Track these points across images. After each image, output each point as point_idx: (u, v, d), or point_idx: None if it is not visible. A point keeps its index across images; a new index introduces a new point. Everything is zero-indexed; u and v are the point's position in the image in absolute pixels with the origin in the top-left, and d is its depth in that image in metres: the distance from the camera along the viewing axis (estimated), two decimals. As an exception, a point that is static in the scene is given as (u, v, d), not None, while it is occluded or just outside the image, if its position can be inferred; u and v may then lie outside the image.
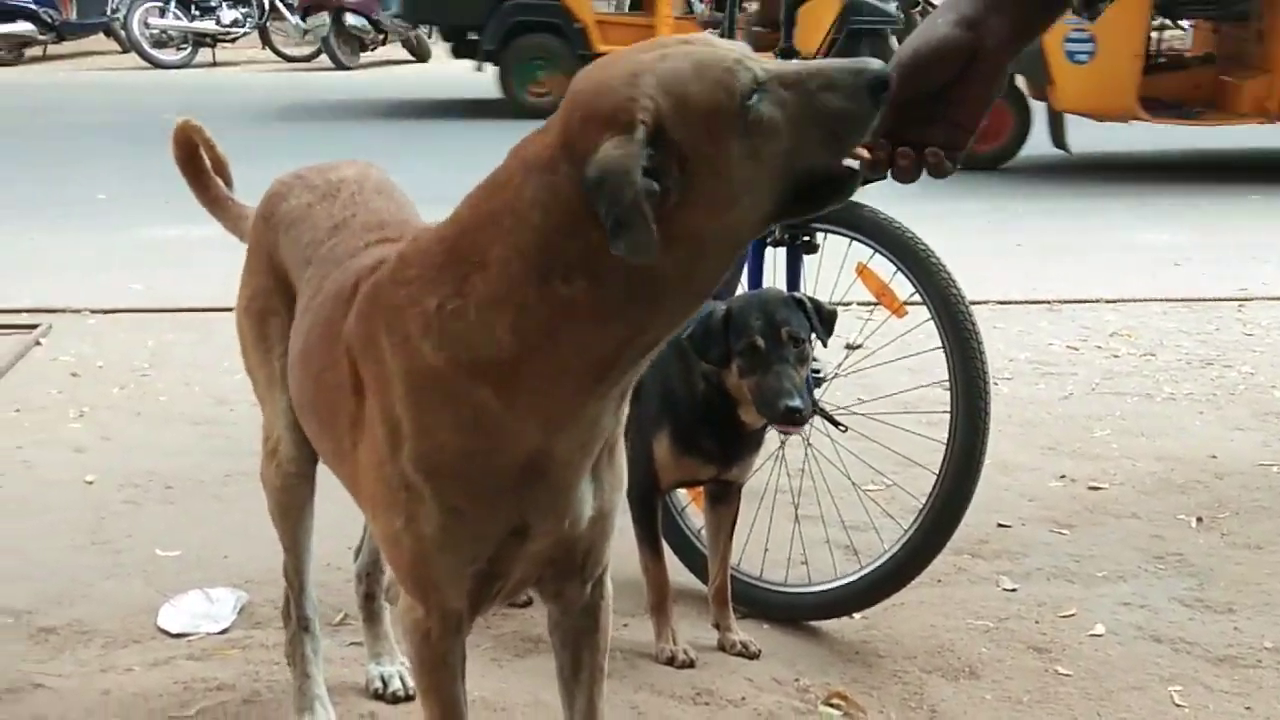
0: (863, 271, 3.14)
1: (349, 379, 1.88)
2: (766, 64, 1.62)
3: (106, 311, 5.77)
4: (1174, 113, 9.43)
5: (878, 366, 3.75)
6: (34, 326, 5.44)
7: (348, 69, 16.69)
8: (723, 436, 2.88)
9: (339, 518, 3.14)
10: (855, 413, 3.43)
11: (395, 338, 1.76)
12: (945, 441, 2.96)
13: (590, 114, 1.59)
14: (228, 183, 2.76)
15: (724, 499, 3.03)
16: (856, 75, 1.55)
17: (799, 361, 2.73)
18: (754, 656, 2.93)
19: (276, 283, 2.37)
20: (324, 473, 2.49)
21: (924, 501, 3.00)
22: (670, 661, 2.90)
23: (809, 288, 3.24)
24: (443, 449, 1.76)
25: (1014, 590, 3.30)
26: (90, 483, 3.94)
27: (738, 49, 1.62)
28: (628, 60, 1.62)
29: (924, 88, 1.60)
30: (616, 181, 1.52)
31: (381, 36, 17.25)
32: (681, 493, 3.28)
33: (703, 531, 3.17)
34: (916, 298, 3.03)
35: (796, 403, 2.67)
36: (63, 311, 5.73)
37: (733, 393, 2.80)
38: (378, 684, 2.71)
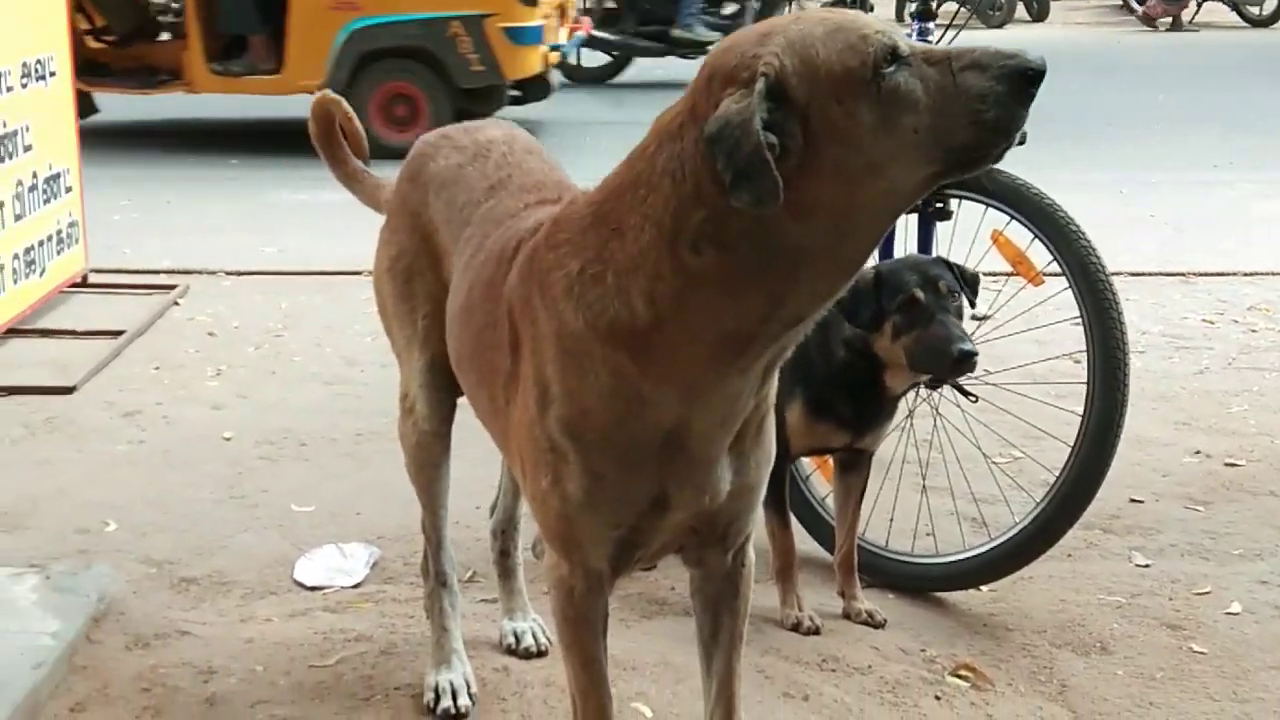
0: (998, 239, 3.09)
1: (508, 338, 1.92)
2: (914, 42, 1.61)
3: (241, 274, 5.91)
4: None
5: (1006, 338, 3.70)
6: (172, 287, 5.58)
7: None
8: (859, 404, 2.86)
9: (467, 477, 3.20)
10: (986, 382, 3.39)
11: (547, 300, 1.80)
12: (1079, 413, 2.91)
13: (715, 73, 1.62)
14: (363, 156, 2.80)
15: (854, 467, 3.01)
16: (1006, 59, 1.55)
17: (957, 316, 2.74)
18: (879, 626, 2.92)
19: (423, 243, 2.40)
20: (457, 431, 2.54)
21: (1056, 474, 2.95)
22: (796, 627, 2.90)
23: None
24: (587, 414, 1.78)
25: (1147, 566, 3.24)
26: (228, 439, 4.05)
27: (883, 23, 1.61)
28: (764, 24, 1.64)
29: None
30: (733, 132, 1.53)
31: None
32: (806, 461, 3.27)
33: (827, 500, 3.16)
34: (1052, 267, 2.98)
35: (969, 346, 2.67)
36: (199, 273, 5.87)
37: (883, 356, 2.77)
38: (510, 639, 2.75)
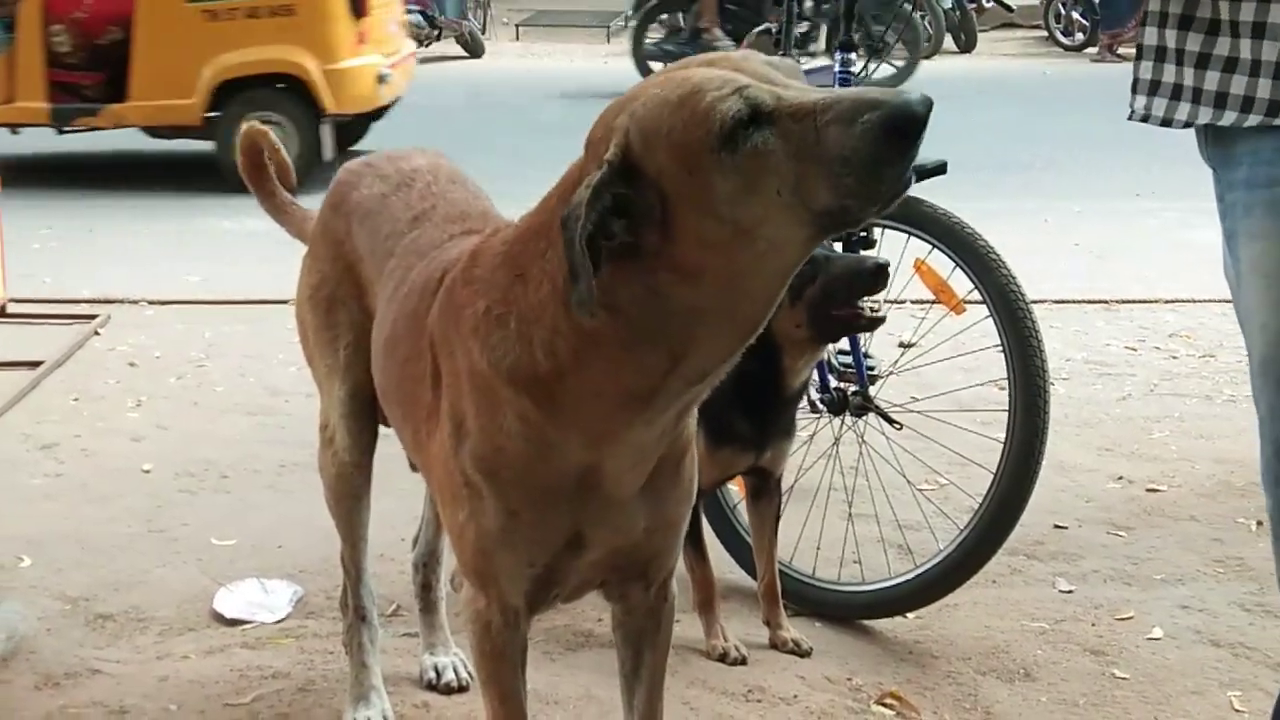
0: (921, 267, 3.12)
1: (429, 370, 1.91)
2: (788, 93, 1.48)
3: (164, 303, 5.83)
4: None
5: (932, 365, 3.73)
6: (93, 317, 5.49)
7: (401, 64, 16.79)
8: (758, 417, 2.83)
9: (393, 510, 3.17)
10: (910, 410, 3.41)
11: (459, 335, 1.79)
12: (1002, 440, 2.93)
13: (590, 139, 1.60)
14: (290, 187, 2.77)
15: (764, 493, 3.00)
16: (872, 109, 1.41)
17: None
18: (805, 654, 2.91)
19: (345, 272, 2.39)
20: (378, 464, 2.52)
21: (980, 501, 2.97)
22: (722, 658, 2.89)
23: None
24: (499, 452, 1.78)
25: (1070, 592, 3.27)
26: (147, 471, 3.99)
27: (747, 76, 1.51)
28: (636, 87, 1.59)
29: None
30: (570, 227, 1.50)
31: (435, 32, 17.33)
32: (733, 489, 3.27)
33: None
34: (974, 295, 3.01)
35: (881, 259, 2.68)
36: (121, 302, 5.78)
37: (781, 332, 2.71)
38: (431, 674, 2.72)
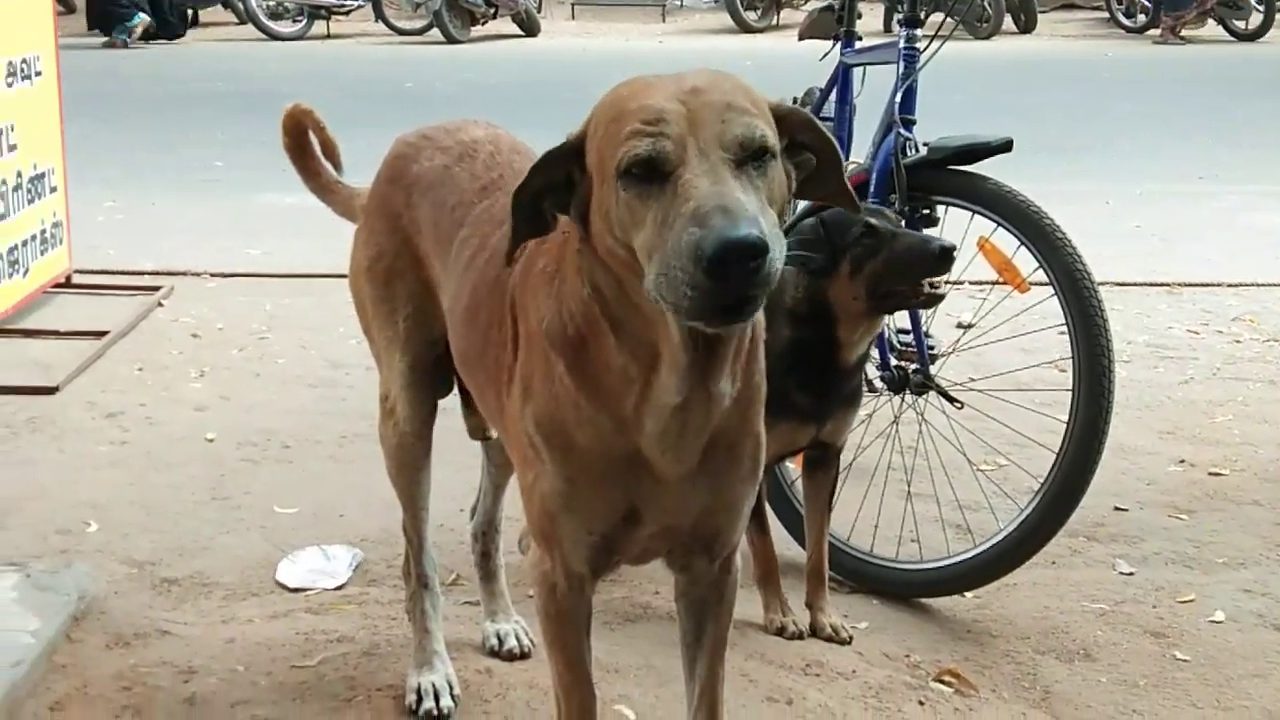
0: (985, 246, 3.11)
1: (511, 334, 1.96)
2: (695, 163, 1.50)
3: (226, 276, 5.90)
4: None
5: (991, 345, 3.72)
6: (156, 288, 5.57)
7: (459, 42, 16.83)
8: (817, 389, 2.81)
9: (450, 481, 3.20)
10: (971, 389, 3.40)
11: (528, 294, 1.86)
12: (1064, 421, 2.92)
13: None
14: (337, 165, 2.77)
15: (821, 465, 2.99)
16: (701, 233, 1.44)
17: None
18: (845, 642, 2.88)
19: (403, 245, 2.41)
20: (437, 437, 2.55)
21: (1041, 481, 2.96)
22: (780, 632, 2.90)
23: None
24: (553, 419, 1.83)
25: (1131, 574, 3.25)
26: (211, 440, 4.04)
27: (679, 122, 1.53)
28: (633, 78, 1.67)
29: None
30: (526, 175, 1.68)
31: (492, 10, 17.36)
32: (790, 466, 3.28)
33: (810, 504, 3.15)
34: (1039, 275, 2.99)
35: (947, 242, 2.68)
36: (184, 275, 5.86)
37: (839, 303, 2.72)
38: (493, 641, 2.75)
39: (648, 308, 1.63)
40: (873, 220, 2.71)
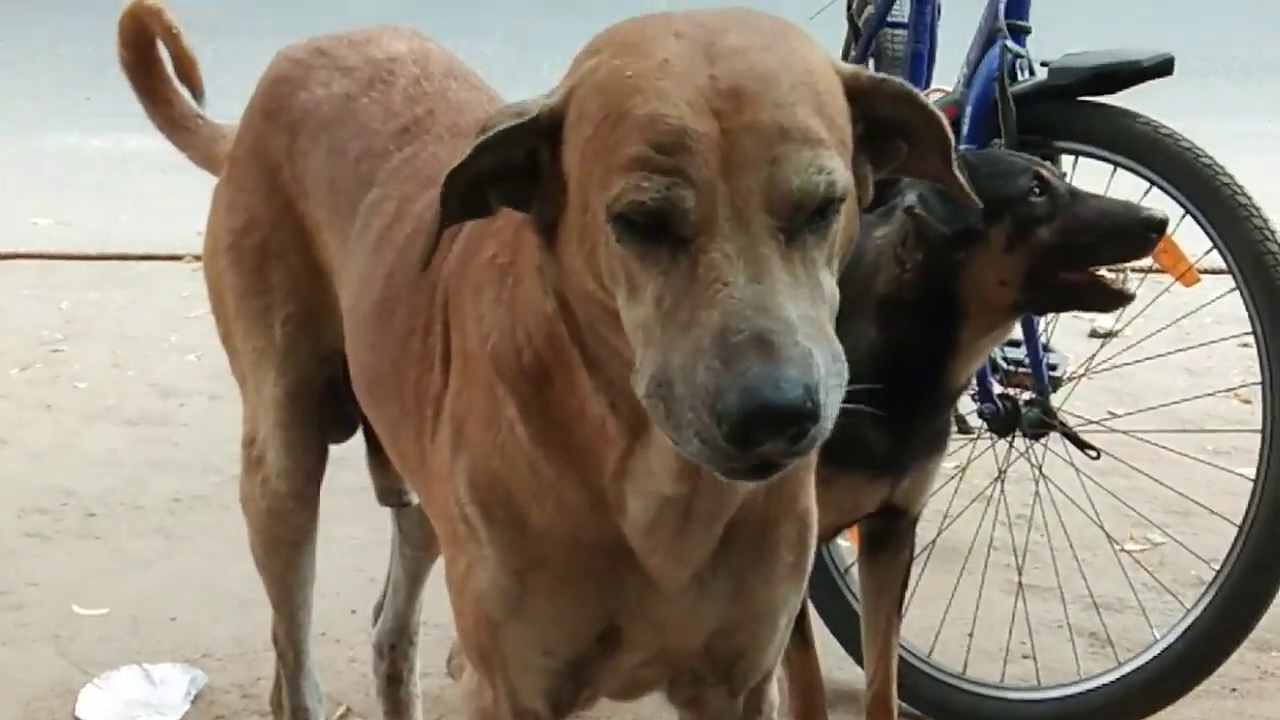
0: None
1: (440, 346, 1.94)
2: (726, 225, 1.45)
3: (3, 257, 5.89)
4: None
5: (1142, 363, 3.72)
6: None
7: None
8: (898, 423, 2.77)
9: (341, 565, 3.19)
10: (1112, 429, 3.40)
11: (474, 300, 1.83)
12: (1251, 478, 2.92)
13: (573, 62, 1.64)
14: (196, 91, 2.78)
15: (889, 541, 2.95)
16: (732, 388, 1.39)
17: None
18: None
19: (284, 210, 2.41)
20: (327, 497, 2.53)
21: (1216, 568, 2.96)
22: (829, 792, 2.89)
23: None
24: (496, 480, 1.80)
25: (1348, 707, 3.26)
26: (-22, 506, 4.04)
27: (702, 135, 1.46)
28: (627, 29, 1.60)
29: None
30: (467, 150, 1.59)
31: None
32: (844, 543, 3.26)
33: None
34: (1213, 257, 3.00)
35: (1159, 211, 2.60)
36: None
37: (976, 293, 2.65)
38: (400, 807, 2.74)
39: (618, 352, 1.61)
40: (1043, 170, 2.68)
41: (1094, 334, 4.40)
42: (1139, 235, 2.61)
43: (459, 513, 1.85)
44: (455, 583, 1.90)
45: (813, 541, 1.92)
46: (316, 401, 2.41)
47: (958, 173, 1.73)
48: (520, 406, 1.75)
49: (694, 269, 1.44)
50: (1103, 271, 2.66)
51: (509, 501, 1.80)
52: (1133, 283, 2.69)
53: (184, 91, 2.77)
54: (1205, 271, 3.12)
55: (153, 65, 2.74)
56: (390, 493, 2.57)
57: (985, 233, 2.61)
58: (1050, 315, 3.25)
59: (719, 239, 1.44)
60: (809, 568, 1.94)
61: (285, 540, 2.55)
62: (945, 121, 1.68)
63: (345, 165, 2.29)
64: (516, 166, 1.60)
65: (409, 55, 2.39)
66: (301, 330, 2.40)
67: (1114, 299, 2.68)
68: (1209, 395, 4.01)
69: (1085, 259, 2.64)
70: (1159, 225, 2.60)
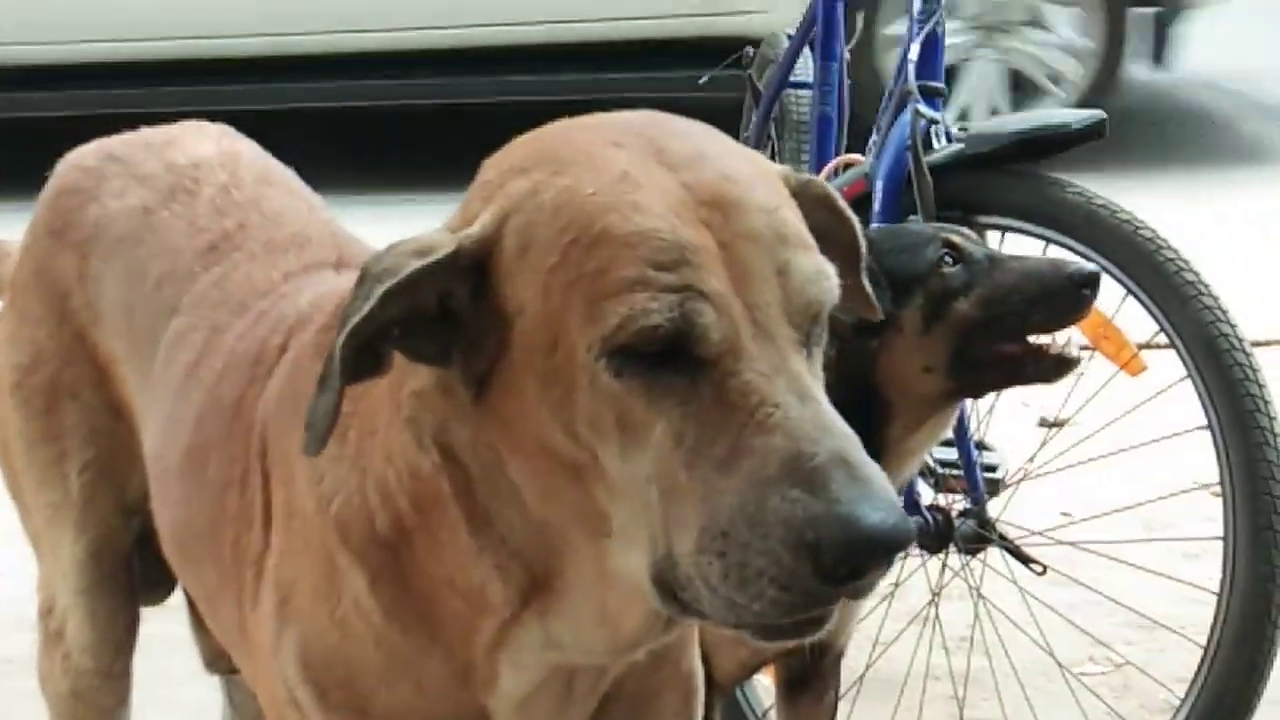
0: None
1: (260, 500, 1.92)
2: (751, 344, 1.49)
3: None
4: None
5: (1095, 461, 3.74)
6: None
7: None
8: None
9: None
10: (1059, 540, 3.42)
11: (294, 444, 1.79)
12: (1217, 590, 2.95)
13: (475, 188, 1.63)
14: None
15: (810, 683, 2.96)
16: (822, 516, 1.41)
17: None
18: None
19: (75, 343, 2.40)
20: (143, 657, 2.52)
21: (1183, 693, 2.99)
22: None
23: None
24: (335, 658, 1.79)
25: None
26: None
27: (698, 242, 1.49)
28: (573, 142, 1.60)
29: None
30: (350, 305, 1.54)
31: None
32: (764, 680, 3.26)
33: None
34: (1160, 339, 3.03)
35: (1088, 265, 2.66)
36: None
37: (897, 383, 2.68)
38: None
39: (559, 514, 1.59)
40: (953, 237, 2.69)
41: (1043, 423, 4.42)
42: (1070, 294, 2.64)
43: (286, 695, 1.83)
44: None
45: (699, 710, 1.93)
46: (124, 561, 2.39)
47: (865, 283, 1.78)
48: (370, 577, 1.73)
49: (724, 395, 1.45)
50: (1041, 338, 2.69)
51: (348, 683, 1.78)
52: (1072, 348, 2.72)
53: None
54: (1155, 349, 3.16)
55: None
56: (218, 658, 2.55)
57: (897, 316, 2.62)
58: (987, 406, 3.27)
59: (748, 358, 1.46)
60: None
61: None
62: (859, 230, 1.75)
63: (144, 290, 2.29)
64: (423, 314, 1.57)
65: (216, 160, 2.39)
66: (102, 479, 2.39)
67: (1057, 366, 2.72)
68: (1175, 495, 4.03)
69: (1014, 329, 2.66)
70: (1089, 280, 2.64)
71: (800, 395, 1.45)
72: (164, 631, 2.51)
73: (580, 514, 1.56)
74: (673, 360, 1.46)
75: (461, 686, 1.75)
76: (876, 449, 2.65)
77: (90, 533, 2.41)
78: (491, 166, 1.62)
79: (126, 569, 2.40)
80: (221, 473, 2.03)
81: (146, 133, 2.50)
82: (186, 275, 2.25)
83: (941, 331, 2.64)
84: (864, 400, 2.64)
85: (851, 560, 1.39)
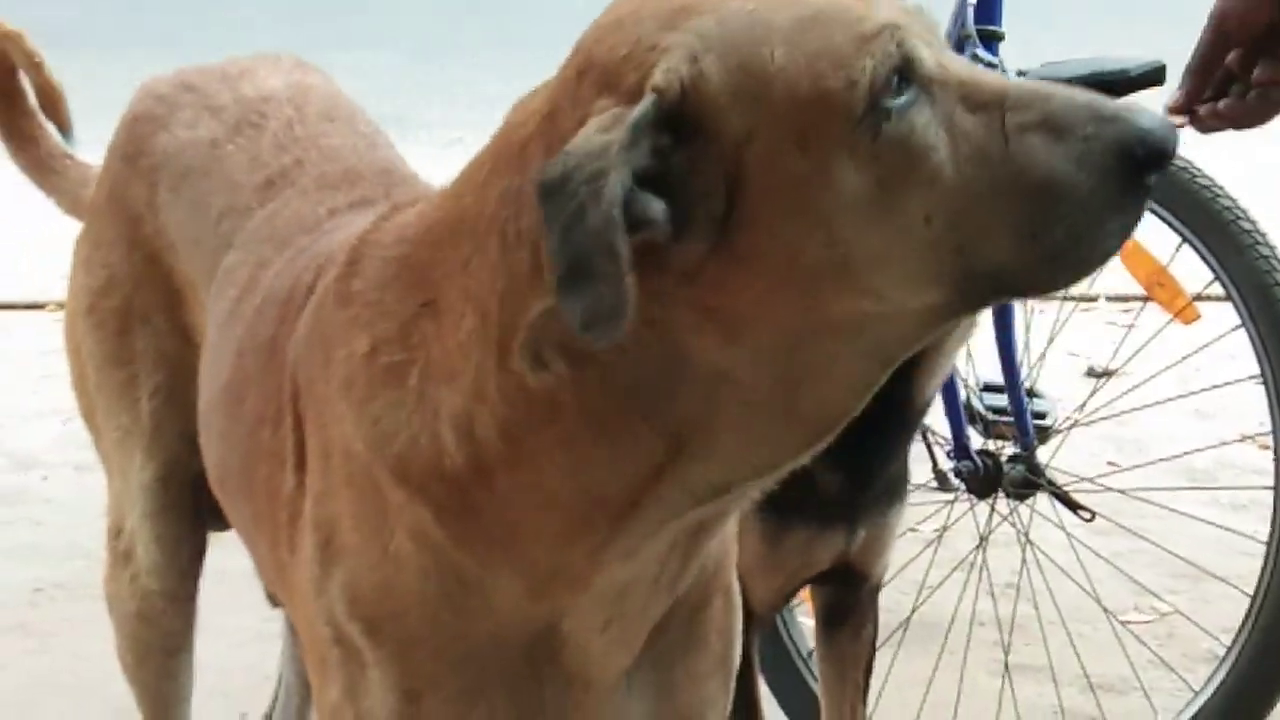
0: (1125, 246, 3.14)
1: (292, 441, 1.91)
2: (951, 58, 1.54)
3: None
4: None
5: (1144, 410, 3.74)
6: None
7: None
8: (856, 455, 2.74)
9: (224, 661, 3.18)
10: (1108, 487, 3.43)
11: (329, 392, 1.78)
12: (1266, 539, 2.96)
13: (589, 64, 1.56)
14: (63, 128, 2.79)
15: (848, 616, 2.94)
16: (1103, 118, 1.49)
17: None
18: None
19: (148, 266, 2.41)
20: (208, 580, 2.54)
21: (1229, 642, 3.00)
22: None
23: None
24: (386, 592, 1.77)
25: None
26: None
27: (898, 8, 1.53)
28: None
29: (1238, 41, 1.96)
30: (576, 192, 1.44)
31: None
32: (806, 621, 3.26)
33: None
34: (1214, 289, 3.03)
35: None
36: None
37: None
38: None
39: (743, 383, 1.56)
40: None
41: (1090, 372, 4.42)
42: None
43: (332, 634, 1.82)
44: (331, 712, 1.86)
45: (739, 626, 1.94)
46: (191, 487, 2.39)
47: None
48: (435, 511, 1.70)
49: (973, 97, 1.51)
50: None
51: (402, 614, 1.76)
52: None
53: (50, 127, 2.77)
54: (1208, 300, 3.16)
55: (14, 98, 2.75)
56: None
57: None
58: (1038, 353, 3.28)
59: (962, 64, 1.55)
60: (737, 661, 1.95)
61: (158, 647, 2.55)
62: None
63: (207, 223, 2.30)
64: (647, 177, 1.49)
65: (284, 94, 2.39)
66: (171, 406, 2.39)
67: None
68: (1222, 445, 4.03)
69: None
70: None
71: (1001, 78, 1.54)
72: (210, 563, 2.52)
73: (789, 345, 1.55)
74: (907, 96, 1.48)
75: (536, 600, 1.73)
76: (919, 362, 2.68)
77: (158, 458, 2.43)
78: (604, 41, 1.56)
79: (193, 495, 2.40)
80: (256, 409, 2.03)
81: (224, 63, 2.49)
82: (244, 210, 2.26)
83: None
84: None
85: (1138, 146, 1.47)
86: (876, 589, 2.95)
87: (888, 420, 2.70)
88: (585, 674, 1.79)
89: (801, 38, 1.48)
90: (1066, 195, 1.47)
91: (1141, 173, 1.47)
